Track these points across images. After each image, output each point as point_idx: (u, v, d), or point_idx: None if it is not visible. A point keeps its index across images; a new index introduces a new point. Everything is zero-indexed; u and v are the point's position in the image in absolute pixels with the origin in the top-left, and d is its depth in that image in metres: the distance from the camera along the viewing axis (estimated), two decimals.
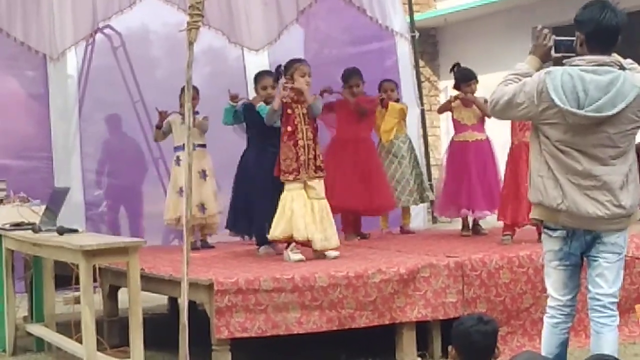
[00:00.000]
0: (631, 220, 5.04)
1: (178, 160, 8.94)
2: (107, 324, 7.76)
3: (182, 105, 9.07)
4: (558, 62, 5.06)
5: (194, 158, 7.74)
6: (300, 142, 7.54)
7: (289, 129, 7.56)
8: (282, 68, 7.74)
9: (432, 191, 10.09)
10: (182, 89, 8.97)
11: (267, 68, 10.04)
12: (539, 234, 7.82)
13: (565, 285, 5.11)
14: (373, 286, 6.72)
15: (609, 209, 4.90)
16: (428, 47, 16.36)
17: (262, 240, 8.20)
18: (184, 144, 8.69)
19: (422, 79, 14.67)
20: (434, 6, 16.53)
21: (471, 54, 15.54)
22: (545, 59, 5.15)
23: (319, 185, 7.59)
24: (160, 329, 7.34)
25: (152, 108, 10.50)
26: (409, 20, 11.84)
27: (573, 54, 5.06)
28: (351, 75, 9.01)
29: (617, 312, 5.06)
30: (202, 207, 8.84)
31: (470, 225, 9.00)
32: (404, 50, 11.45)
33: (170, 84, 9.92)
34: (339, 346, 6.98)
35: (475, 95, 8.88)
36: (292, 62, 7.72)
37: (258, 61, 10.57)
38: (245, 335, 6.44)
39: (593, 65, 4.91)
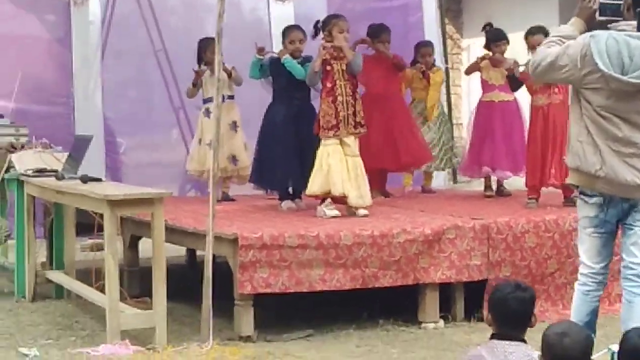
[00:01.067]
0: None
1: (208, 112, 8.86)
2: (128, 273, 7.74)
3: (202, 59, 9.01)
4: (603, 26, 4.94)
5: (224, 110, 7.67)
6: (340, 99, 7.46)
7: (328, 85, 7.48)
8: (320, 24, 7.63)
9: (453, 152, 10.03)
10: (203, 40, 8.90)
11: (292, 21, 10.02)
12: (565, 198, 7.81)
13: (599, 253, 5.04)
14: (397, 246, 6.67)
15: None
16: (452, 4, 16.15)
17: (285, 195, 8.16)
18: (213, 97, 8.76)
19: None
20: None
21: (496, 13, 15.34)
22: (590, 22, 5.03)
23: (354, 142, 7.51)
24: (179, 280, 7.30)
25: (174, 57, 10.48)
26: None
27: (619, 18, 4.95)
28: (382, 31, 8.89)
29: None
30: (233, 158, 8.81)
31: (495, 186, 8.92)
32: (431, 6, 11.33)
33: (190, 33, 9.94)
34: (361, 305, 6.93)
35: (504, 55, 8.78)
36: (330, 18, 7.64)
37: (283, 14, 10.45)
38: (268, 290, 6.39)
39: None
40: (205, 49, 8.83)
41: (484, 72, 8.88)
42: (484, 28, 9.04)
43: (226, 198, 8.84)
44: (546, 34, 7.33)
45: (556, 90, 7.84)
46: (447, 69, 11.74)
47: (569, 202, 7.62)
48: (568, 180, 5.22)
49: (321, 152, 7.48)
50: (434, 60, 9.71)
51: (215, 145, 6.04)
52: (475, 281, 6.85)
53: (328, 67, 7.49)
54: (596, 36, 4.80)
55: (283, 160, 7.97)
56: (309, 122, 7.74)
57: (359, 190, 7.47)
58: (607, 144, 4.85)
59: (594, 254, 5.05)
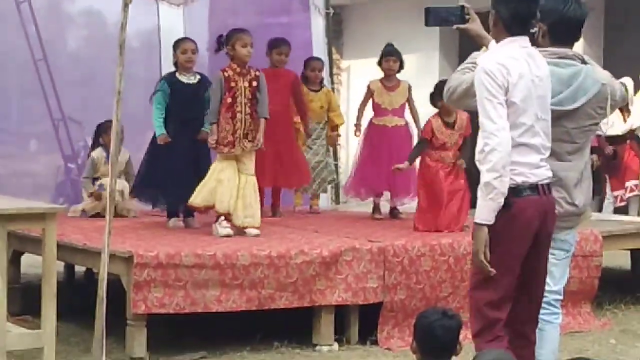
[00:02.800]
0: (582, 218, 4.95)
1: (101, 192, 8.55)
2: (8, 290, 7.37)
3: (96, 142, 8.79)
4: None
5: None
6: (239, 116, 7.33)
7: (229, 101, 7.34)
8: (224, 38, 7.50)
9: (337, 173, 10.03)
10: (100, 125, 8.66)
11: (182, 34, 9.87)
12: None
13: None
14: (295, 267, 6.57)
15: (562, 206, 4.79)
16: (333, 25, 16.13)
17: (173, 212, 7.97)
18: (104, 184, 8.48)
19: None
20: None
21: (377, 35, 15.41)
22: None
23: (249, 161, 7.39)
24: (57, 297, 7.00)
25: (55, 66, 10.18)
26: None
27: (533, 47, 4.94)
28: (283, 43, 8.86)
29: (560, 310, 4.98)
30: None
31: (387, 208, 8.91)
32: (319, 27, 11.29)
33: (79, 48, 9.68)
34: (256, 326, 6.79)
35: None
36: (234, 32, 7.50)
37: (173, 26, 10.30)
38: (162, 311, 6.22)
39: (555, 58, 4.76)
40: (104, 132, 8.45)
41: (376, 95, 8.86)
42: (385, 47, 9.06)
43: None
44: None
45: None
46: (332, 89, 11.69)
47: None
48: None
49: (214, 167, 7.35)
50: (322, 79, 9.69)
51: (114, 160, 5.82)
52: (370, 304, 6.81)
53: (232, 84, 7.35)
54: None
55: (174, 176, 7.77)
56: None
57: (247, 210, 7.33)
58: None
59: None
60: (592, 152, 5.41)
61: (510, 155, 4.30)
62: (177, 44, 8.06)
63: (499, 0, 4.49)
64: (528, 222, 4.40)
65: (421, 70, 14.18)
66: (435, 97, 7.83)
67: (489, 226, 4.34)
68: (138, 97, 8.98)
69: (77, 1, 10.54)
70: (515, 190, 4.36)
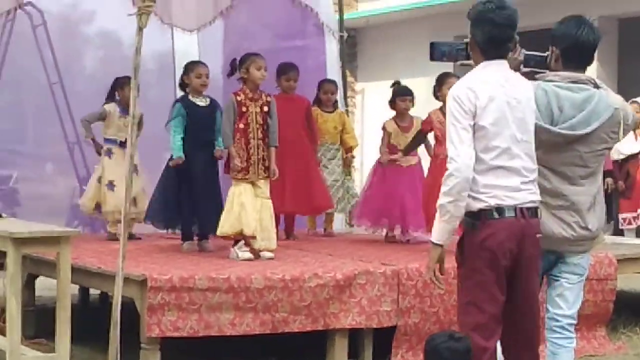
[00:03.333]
0: (595, 242, 4.97)
1: (109, 152, 8.66)
2: (23, 313, 7.39)
3: (112, 97, 8.82)
4: (530, 76, 4.94)
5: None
6: (252, 142, 7.36)
7: (241, 126, 7.36)
8: (237, 62, 7.53)
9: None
10: (119, 79, 8.70)
11: (196, 56, 9.94)
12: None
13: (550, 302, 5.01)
14: (309, 290, 6.56)
15: (575, 230, 4.81)
16: (347, 48, 16.22)
17: (188, 235, 7.99)
18: (118, 140, 8.57)
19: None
20: (355, 7, 16.44)
21: (391, 57, 15.54)
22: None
23: (265, 185, 7.42)
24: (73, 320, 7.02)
25: (72, 91, 10.24)
26: (337, 19, 11.67)
27: (543, 70, 4.97)
28: (289, 69, 8.89)
29: (574, 334, 4.99)
30: (133, 201, 8.52)
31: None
32: (333, 50, 11.32)
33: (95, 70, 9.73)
34: (270, 349, 6.79)
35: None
36: (248, 55, 7.53)
37: (187, 48, 10.36)
38: (176, 334, 6.21)
39: (568, 82, 4.81)
40: (120, 87, 8.61)
41: (393, 137, 8.89)
42: (392, 85, 9.12)
43: (131, 237, 8.58)
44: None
45: None
46: (346, 111, 11.72)
47: None
48: None
49: (232, 192, 7.35)
50: (336, 101, 9.73)
51: (128, 184, 5.83)
52: (384, 327, 6.80)
53: (243, 109, 7.38)
54: None
55: (190, 200, 7.79)
56: (215, 162, 7.72)
57: (264, 233, 7.36)
58: None
59: (550, 303, 5.01)
60: (607, 176, 5.46)
61: (468, 181, 4.33)
62: (191, 68, 8.09)
63: (474, 25, 4.54)
64: (496, 246, 4.39)
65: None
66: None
67: (460, 249, 4.43)
68: (154, 119, 8.99)
69: (94, 22, 10.60)
70: (483, 212, 4.38)
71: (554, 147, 4.77)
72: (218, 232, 7.38)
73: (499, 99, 4.42)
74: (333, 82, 9.72)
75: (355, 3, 16.48)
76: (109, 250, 7.35)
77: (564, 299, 4.91)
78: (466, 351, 4.06)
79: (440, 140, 7.96)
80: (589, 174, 4.86)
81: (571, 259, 4.90)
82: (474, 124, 4.39)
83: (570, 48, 4.85)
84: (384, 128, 8.96)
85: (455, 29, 14.76)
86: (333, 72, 11.13)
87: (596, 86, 4.88)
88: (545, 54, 5.02)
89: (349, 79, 16.36)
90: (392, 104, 9.01)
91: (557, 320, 4.94)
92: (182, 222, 7.99)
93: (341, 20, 11.73)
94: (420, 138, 8.33)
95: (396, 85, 9.12)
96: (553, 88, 4.79)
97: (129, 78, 6.85)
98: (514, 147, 4.44)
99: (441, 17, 14.78)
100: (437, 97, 8.12)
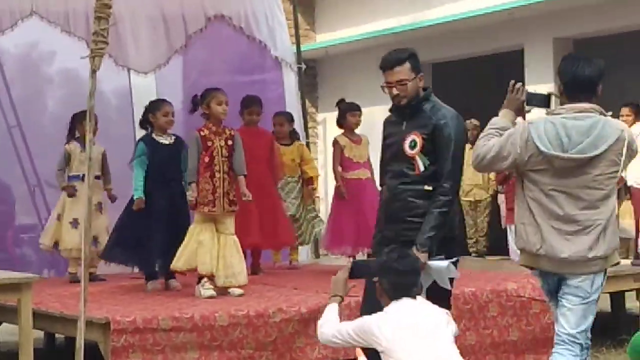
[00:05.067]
0: (607, 263, 5.19)
1: (74, 189, 8.62)
2: None
3: (73, 134, 8.81)
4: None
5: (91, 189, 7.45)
6: (217, 175, 7.37)
7: (207, 160, 7.37)
8: (198, 98, 7.55)
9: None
10: (77, 114, 8.68)
11: (154, 93, 9.94)
12: None
13: (556, 319, 5.27)
14: (274, 326, 6.55)
15: (585, 252, 5.06)
16: (307, 78, 16.28)
17: (152, 274, 7.95)
18: (81, 174, 8.52)
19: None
20: (313, 38, 16.50)
21: (352, 87, 15.56)
22: (519, 112, 5.39)
23: (230, 221, 7.41)
24: None
25: (34, 131, 10.19)
26: (295, 51, 11.71)
27: (545, 108, 5.36)
28: (253, 102, 8.91)
29: (578, 350, 5.15)
30: (94, 240, 8.46)
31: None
32: (291, 82, 11.34)
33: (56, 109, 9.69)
34: None
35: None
36: (209, 91, 7.59)
37: (145, 85, 10.35)
38: None
39: (574, 113, 5.13)
40: (80, 121, 8.60)
41: (346, 150, 8.91)
42: (337, 104, 9.18)
43: (94, 279, 8.52)
44: None
45: None
46: (307, 144, 11.73)
47: None
48: (519, 262, 5.48)
49: (192, 229, 7.35)
50: (292, 131, 9.68)
51: (87, 226, 5.80)
52: (351, 359, 6.77)
53: (209, 143, 7.39)
54: (534, 123, 5.17)
55: (152, 238, 7.76)
56: (182, 199, 7.64)
57: (231, 269, 7.34)
58: (549, 223, 5.10)
59: (556, 319, 5.26)
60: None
61: None
62: (156, 106, 8.09)
63: (380, 273, 5.00)
64: None
65: None
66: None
67: None
68: (121, 154, 8.98)
69: (55, 62, 10.55)
70: None
71: (569, 172, 5.09)
72: (172, 266, 7.38)
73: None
74: (284, 114, 9.70)
75: (314, 34, 16.54)
76: (72, 294, 7.31)
77: (566, 319, 5.13)
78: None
79: None
80: (603, 196, 5.11)
81: (571, 282, 5.11)
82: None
83: (570, 82, 5.22)
84: (335, 142, 8.99)
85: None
86: (292, 103, 11.15)
87: (602, 114, 5.16)
88: (547, 93, 5.44)
89: (310, 109, 16.41)
90: (342, 120, 9.02)
91: (559, 335, 5.19)
92: (144, 261, 7.95)
93: (298, 52, 11.77)
94: None
95: (342, 102, 9.15)
96: (560, 119, 5.12)
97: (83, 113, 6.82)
98: None
99: (397, 45, 14.77)
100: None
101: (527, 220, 5.18)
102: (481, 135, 5.35)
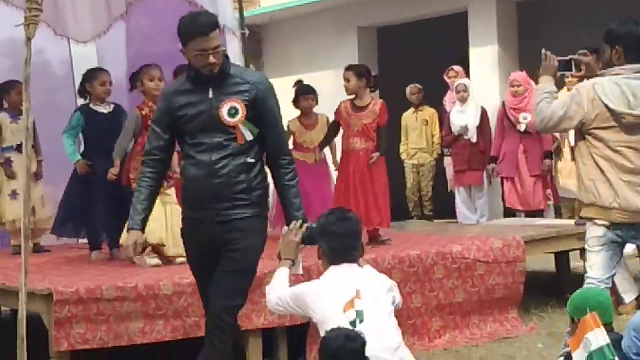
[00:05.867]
0: None
1: (9, 161, 8.50)
2: None
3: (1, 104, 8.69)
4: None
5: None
6: None
7: (141, 140, 7.28)
8: (135, 75, 7.49)
9: None
10: (2, 86, 8.55)
11: (95, 62, 9.80)
12: (370, 239, 7.86)
13: (604, 267, 5.77)
14: None
15: None
16: (252, 44, 16.15)
17: (96, 245, 7.89)
18: (15, 145, 8.40)
19: None
20: (257, 3, 16.37)
21: (297, 52, 15.51)
22: (555, 77, 5.82)
23: (172, 191, 7.36)
24: None
25: None
26: (238, 17, 11.60)
27: (569, 71, 5.86)
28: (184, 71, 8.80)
29: None
30: (32, 210, 8.37)
31: None
32: (234, 48, 11.22)
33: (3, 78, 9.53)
34: (183, 354, 6.71)
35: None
36: (141, 68, 7.57)
37: (85, 54, 10.20)
38: (86, 346, 6.15)
39: (634, 72, 5.58)
40: (7, 91, 8.46)
41: (298, 135, 8.91)
42: (295, 85, 9.21)
43: (39, 250, 8.45)
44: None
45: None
46: None
47: (375, 242, 7.77)
48: (582, 214, 5.86)
49: None
50: None
51: (26, 197, 5.72)
52: (297, 325, 6.78)
53: (148, 122, 7.30)
54: (598, 82, 5.60)
55: (95, 209, 7.70)
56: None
57: (176, 239, 7.27)
58: (618, 177, 5.57)
59: (600, 268, 5.76)
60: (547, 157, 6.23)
61: None
62: (93, 75, 8.02)
63: (320, 236, 5.02)
64: None
65: (341, 86, 14.16)
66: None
67: None
68: (63, 124, 8.86)
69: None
70: None
71: (635, 128, 5.57)
72: (121, 241, 7.30)
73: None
74: None
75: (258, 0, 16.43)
76: (15, 266, 7.17)
77: None
78: (362, 348, 4.14)
79: (347, 132, 7.96)
80: None
81: None
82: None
83: (633, 44, 5.60)
84: (287, 127, 8.95)
85: (357, 21, 14.85)
86: None
87: None
88: (568, 58, 5.85)
89: None
90: (296, 102, 9.03)
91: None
92: (88, 231, 7.89)
93: (242, 17, 11.61)
94: (334, 128, 8.31)
95: (298, 84, 9.15)
96: (623, 80, 5.57)
97: (13, 82, 6.73)
98: None
99: (342, 9, 14.80)
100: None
101: (595, 177, 5.59)
102: (537, 100, 5.71)
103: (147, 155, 5.37)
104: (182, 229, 5.47)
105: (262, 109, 5.16)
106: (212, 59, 5.03)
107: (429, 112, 12.49)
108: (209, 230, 5.22)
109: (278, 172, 5.32)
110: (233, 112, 5.09)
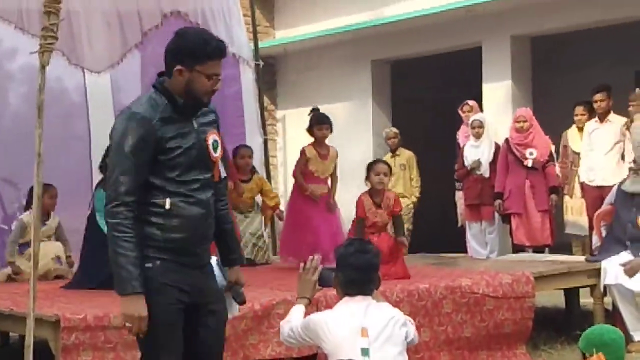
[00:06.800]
0: None
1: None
2: None
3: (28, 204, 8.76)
4: None
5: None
6: None
7: None
8: None
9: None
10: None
11: (109, 91, 9.87)
12: None
13: None
14: (227, 323, 6.48)
15: None
16: (266, 75, 16.24)
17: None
18: None
19: None
20: (273, 35, 16.45)
21: (311, 84, 15.55)
22: None
23: None
24: None
25: None
26: (253, 48, 11.68)
27: None
28: None
29: None
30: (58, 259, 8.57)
31: None
32: (249, 79, 11.32)
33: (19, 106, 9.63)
34: None
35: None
36: None
37: (99, 84, 10.27)
38: None
39: None
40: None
41: (311, 163, 8.95)
42: (310, 113, 9.19)
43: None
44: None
45: None
46: (265, 141, 11.72)
47: None
48: None
49: None
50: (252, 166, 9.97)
51: (37, 224, 5.73)
52: (304, 356, 6.76)
53: None
54: None
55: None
56: None
57: None
58: None
59: None
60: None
61: None
62: None
63: (337, 266, 4.94)
64: None
65: (354, 119, 14.29)
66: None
67: None
68: (82, 150, 8.96)
69: (17, 58, 10.43)
70: None
71: None
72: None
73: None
74: (248, 147, 9.94)
75: (273, 31, 16.49)
76: (24, 292, 7.18)
77: None
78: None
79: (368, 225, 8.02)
80: None
81: None
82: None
83: None
84: (302, 152, 8.97)
85: (371, 54, 14.89)
86: (249, 100, 11.16)
87: None
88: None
89: (270, 106, 16.39)
90: (310, 131, 9.04)
91: None
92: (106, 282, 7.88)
93: (256, 48, 11.75)
94: (361, 225, 8.20)
95: (314, 112, 9.15)
96: None
97: (46, 186, 6.77)
98: None
99: (356, 43, 14.86)
100: (366, 182, 8.19)
101: None
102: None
103: (127, 196, 4.36)
104: (149, 270, 4.50)
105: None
106: (219, 85, 4.51)
107: (406, 155, 12.51)
108: (194, 275, 4.60)
109: (221, 213, 4.77)
110: (216, 146, 4.57)
